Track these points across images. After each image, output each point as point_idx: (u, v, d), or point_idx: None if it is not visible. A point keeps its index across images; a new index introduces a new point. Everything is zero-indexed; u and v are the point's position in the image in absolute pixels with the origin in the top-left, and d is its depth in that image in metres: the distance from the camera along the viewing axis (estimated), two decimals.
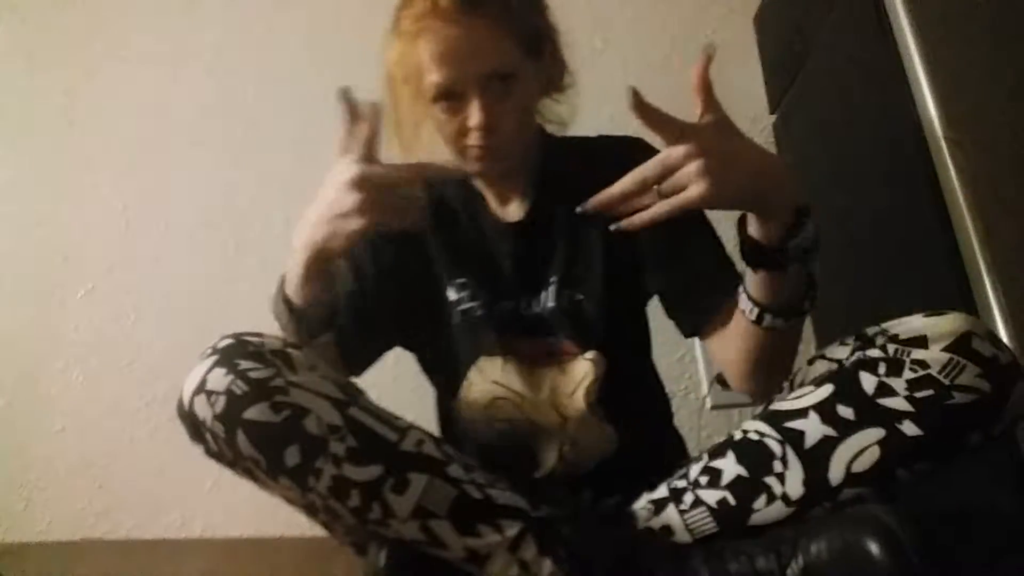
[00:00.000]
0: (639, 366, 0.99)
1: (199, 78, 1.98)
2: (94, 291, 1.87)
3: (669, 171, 0.64)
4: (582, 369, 0.87)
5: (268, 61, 1.95)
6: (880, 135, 1.17)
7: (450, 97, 0.83)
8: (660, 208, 0.64)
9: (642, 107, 0.63)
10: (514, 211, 0.94)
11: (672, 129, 0.65)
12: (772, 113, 1.64)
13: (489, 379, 0.88)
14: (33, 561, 1.64)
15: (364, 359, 0.93)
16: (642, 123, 0.65)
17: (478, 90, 0.82)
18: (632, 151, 0.78)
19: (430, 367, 0.98)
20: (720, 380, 1.53)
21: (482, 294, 0.91)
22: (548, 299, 0.90)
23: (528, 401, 0.87)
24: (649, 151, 0.76)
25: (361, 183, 0.67)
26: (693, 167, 0.63)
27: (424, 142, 0.90)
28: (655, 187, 0.65)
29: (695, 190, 0.63)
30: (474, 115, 0.82)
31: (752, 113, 1.66)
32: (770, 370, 0.82)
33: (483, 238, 0.94)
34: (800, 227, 0.67)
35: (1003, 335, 0.86)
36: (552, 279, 0.90)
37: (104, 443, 1.74)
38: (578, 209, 0.67)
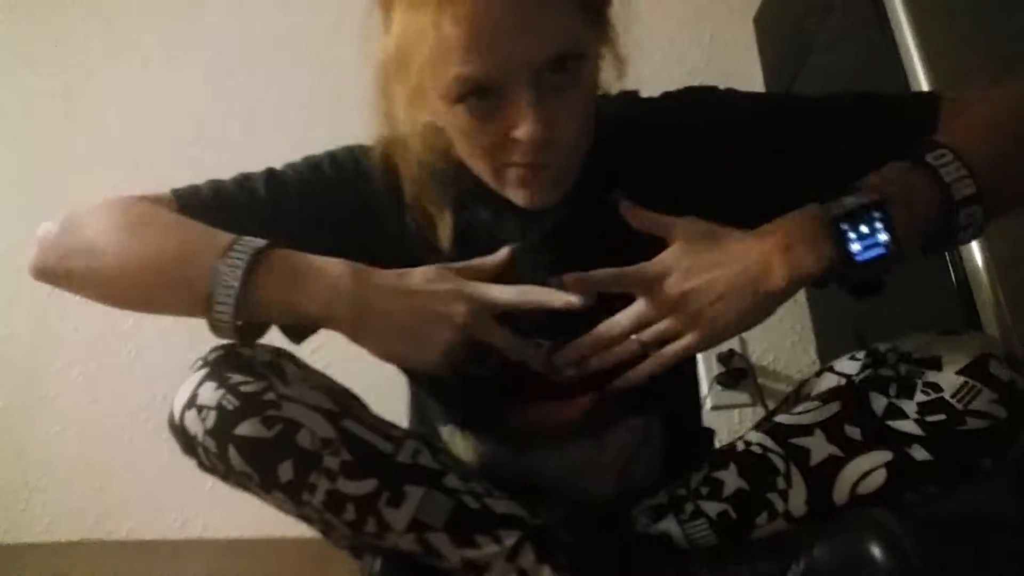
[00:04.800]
0: (690, 404, 0.89)
1: (199, 78, 1.98)
2: None
3: (646, 323, 0.63)
4: (621, 441, 0.77)
5: (268, 61, 1.95)
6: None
7: (484, 95, 0.60)
8: (653, 363, 0.63)
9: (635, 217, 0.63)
10: (547, 221, 0.71)
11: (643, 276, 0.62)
12: None
13: (482, 455, 0.78)
14: (33, 561, 1.64)
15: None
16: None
17: (529, 84, 0.59)
18: (691, 112, 0.70)
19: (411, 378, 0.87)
20: (720, 380, 1.53)
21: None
22: None
23: (540, 477, 0.77)
24: (707, 96, 0.73)
25: (474, 301, 0.61)
26: (677, 319, 0.61)
27: (414, 154, 0.70)
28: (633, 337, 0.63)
29: (690, 339, 0.61)
30: (525, 122, 0.59)
31: None
32: None
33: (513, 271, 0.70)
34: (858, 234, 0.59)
35: (1002, 333, 0.86)
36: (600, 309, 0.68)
37: (104, 444, 1.73)
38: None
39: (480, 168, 0.67)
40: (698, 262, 0.61)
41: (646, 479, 0.78)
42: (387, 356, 0.64)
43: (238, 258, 0.61)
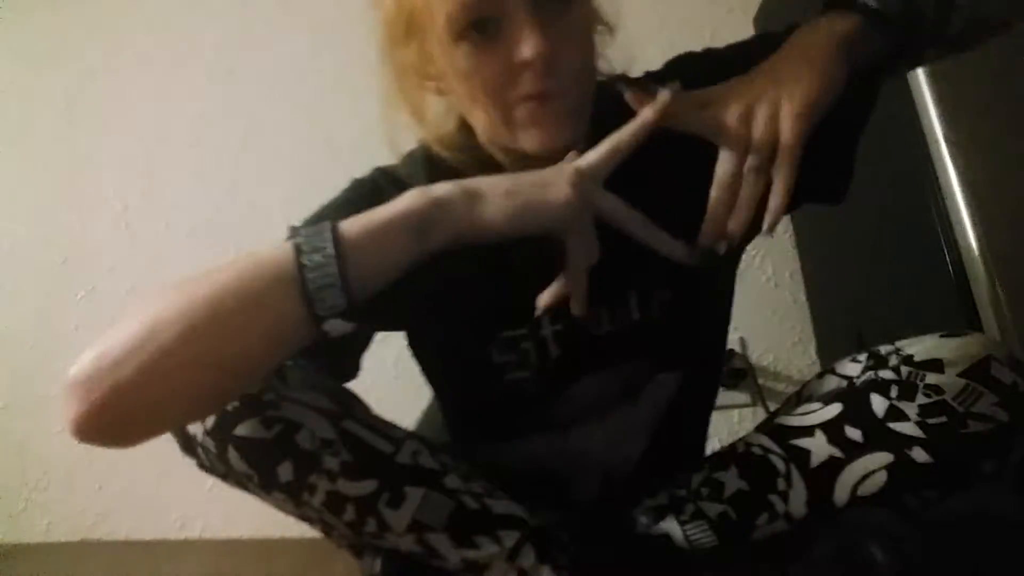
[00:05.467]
0: (714, 373, 0.87)
1: (199, 78, 1.98)
2: (94, 291, 1.87)
3: (742, 154, 0.59)
4: (653, 398, 0.76)
5: (268, 61, 1.95)
6: (880, 135, 1.17)
7: (484, 27, 0.60)
8: (779, 197, 0.58)
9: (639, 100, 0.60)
10: None
11: (697, 110, 0.60)
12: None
13: (523, 455, 0.77)
14: (33, 562, 1.64)
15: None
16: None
17: (528, 7, 0.59)
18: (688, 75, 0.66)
19: (446, 398, 0.86)
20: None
21: (536, 357, 0.73)
22: (634, 309, 0.73)
23: (581, 452, 0.77)
24: (696, 60, 0.73)
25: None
26: (761, 124, 0.59)
27: (449, 149, 0.69)
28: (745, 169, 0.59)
29: (788, 135, 0.58)
30: (528, 41, 0.58)
31: None
32: None
33: (528, 257, 0.62)
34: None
35: (1002, 334, 0.86)
36: (637, 282, 0.72)
37: None
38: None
39: (491, 118, 0.64)
40: (742, 86, 0.62)
41: (675, 438, 0.78)
42: (510, 223, 0.56)
43: (315, 239, 0.53)
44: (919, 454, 0.62)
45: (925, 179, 1.00)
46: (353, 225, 0.55)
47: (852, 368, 0.72)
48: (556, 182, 0.57)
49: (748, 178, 0.60)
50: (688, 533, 0.68)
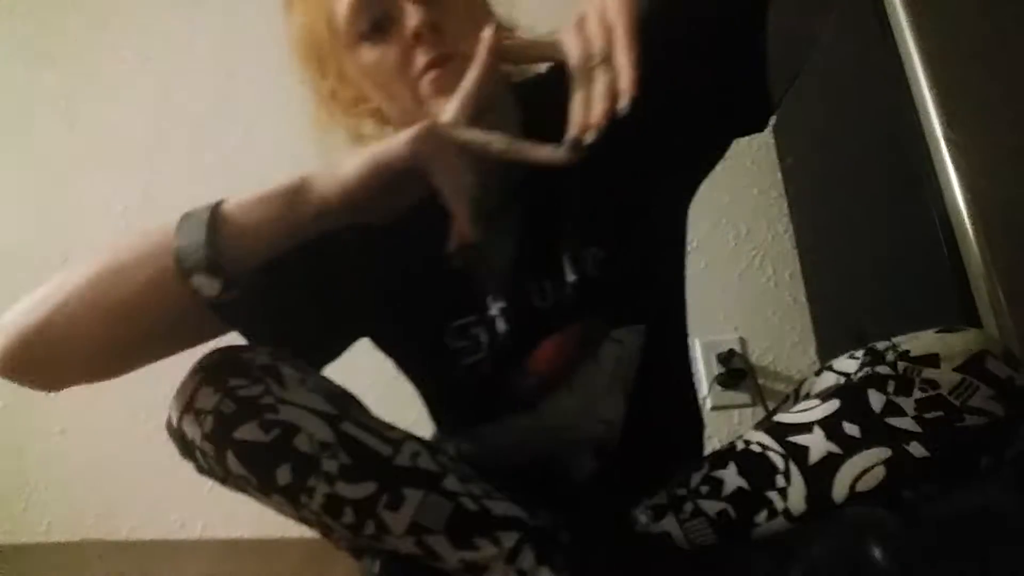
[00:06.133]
0: (677, 326, 0.88)
1: (199, 78, 1.98)
2: None
3: (586, 56, 0.62)
4: (613, 353, 0.77)
5: (268, 61, 1.95)
6: (880, 135, 1.17)
7: (376, 26, 0.71)
8: (624, 79, 0.59)
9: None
10: (501, 177, 0.78)
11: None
12: (772, 114, 1.63)
13: (508, 431, 0.78)
14: (33, 562, 1.64)
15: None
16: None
17: None
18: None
19: (422, 390, 0.88)
20: (720, 380, 1.53)
21: (487, 337, 0.77)
22: (568, 272, 0.76)
23: (567, 427, 0.78)
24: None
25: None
26: (593, 24, 0.61)
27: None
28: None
29: (616, 22, 0.60)
30: (410, 16, 0.69)
31: None
32: None
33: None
34: None
35: (1003, 334, 0.86)
36: (567, 247, 0.76)
37: (104, 444, 1.74)
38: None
39: (403, 102, 0.72)
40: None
41: (657, 398, 0.79)
42: (368, 176, 0.63)
43: (202, 209, 0.64)
44: (916, 448, 0.62)
45: (925, 179, 1.00)
46: (235, 197, 0.65)
47: (849, 364, 0.73)
48: (403, 135, 0.63)
49: (595, 74, 0.62)
50: (687, 531, 0.68)
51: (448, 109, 0.65)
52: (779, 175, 1.64)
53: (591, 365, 0.77)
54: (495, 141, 0.64)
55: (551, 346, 0.76)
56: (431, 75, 0.69)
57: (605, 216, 0.78)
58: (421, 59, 0.69)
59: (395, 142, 0.62)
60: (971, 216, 0.93)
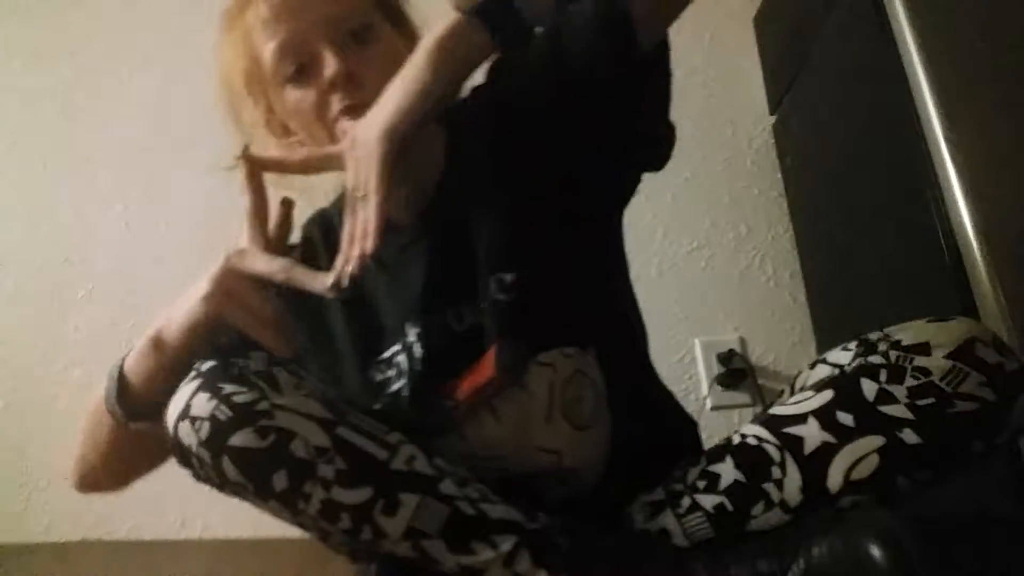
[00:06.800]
0: (633, 346, 0.87)
1: (199, 78, 1.98)
2: (94, 292, 1.87)
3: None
4: (543, 379, 0.75)
5: None
6: (880, 135, 1.17)
7: (300, 69, 0.75)
8: (366, 232, 0.67)
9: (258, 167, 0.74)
10: (415, 204, 0.82)
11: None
12: (772, 114, 1.64)
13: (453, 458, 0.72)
14: (33, 561, 1.64)
15: None
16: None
17: (329, 41, 0.74)
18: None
19: None
20: (720, 380, 1.54)
21: (407, 363, 0.78)
22: (482, 298, 0.77)
23: (500, 457, 0.75)
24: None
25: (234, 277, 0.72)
26: (351, 162, 0.68)
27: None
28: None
29: (365, 179, 0.67)
30: (328, 65, 0.73)
31: (752, 114, 1.66)
32: None
33: (382, 269, 0.81)
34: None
35: (1003, 334, 0.86)
36: (480, 272, 0.77)
37: None
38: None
39: (320, 141, 0.77)
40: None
41: (630, 417, 0.78)
42: (191, 333, 0.74)
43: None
44: (909, 435, 0.63)
45: (925, 178, 1.00)
46: (132, 352, 0.79)
47: (843, 356, 0.73)
48: (197, 291, 0.73)
49: (358, 207, 0.69)
50: (685, 526, 0.68)
51: (243, 238, 0.74)
52: (779, 175, 1.64)
53: (518, 392, 0.74)
54: (279, 270, 0.70)
55: (466, 372, 0.74)
56: (344, 123, 0.74)
57: (518, 242, 0.79)
58: (336, 106, 0.75)
59: (193, 304, 0.73)
60: (971, 216, 0.93)
